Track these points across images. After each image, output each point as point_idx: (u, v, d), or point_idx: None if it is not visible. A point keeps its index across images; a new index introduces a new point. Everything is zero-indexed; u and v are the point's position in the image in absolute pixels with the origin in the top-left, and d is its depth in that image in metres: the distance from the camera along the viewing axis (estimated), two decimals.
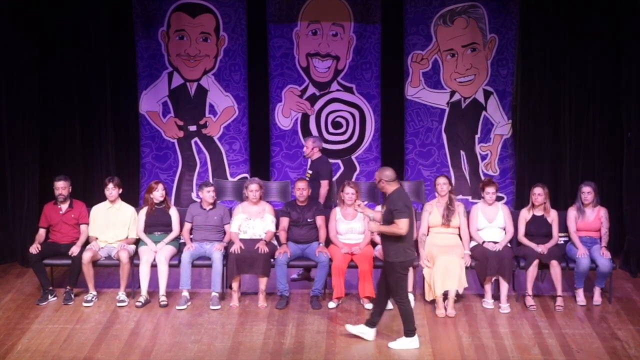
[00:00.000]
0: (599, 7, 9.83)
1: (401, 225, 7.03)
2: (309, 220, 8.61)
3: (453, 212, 8.47)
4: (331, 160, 10.75)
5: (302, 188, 8.63)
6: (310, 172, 9.29)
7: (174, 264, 8.44)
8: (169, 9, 10.50)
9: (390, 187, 7.15)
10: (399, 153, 10.73)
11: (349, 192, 8.53)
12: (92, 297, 8.36)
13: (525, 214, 8.59)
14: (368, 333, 7.37)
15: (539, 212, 8.54)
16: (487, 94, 10.55)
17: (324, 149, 10.73)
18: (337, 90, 10.70)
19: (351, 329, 7.43)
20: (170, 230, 8.66)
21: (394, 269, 7.14)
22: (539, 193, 8.52)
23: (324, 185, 9.09)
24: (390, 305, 8.14)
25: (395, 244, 7.10)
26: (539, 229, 8.49)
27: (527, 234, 8.52)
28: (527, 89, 10.43)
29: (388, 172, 7.18)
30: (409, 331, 7.24)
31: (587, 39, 9.97)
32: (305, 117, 10.74)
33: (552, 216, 8.54)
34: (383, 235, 7.28)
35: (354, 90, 10.68)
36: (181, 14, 10.53)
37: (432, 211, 8.52)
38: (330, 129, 10.77)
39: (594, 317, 8.00)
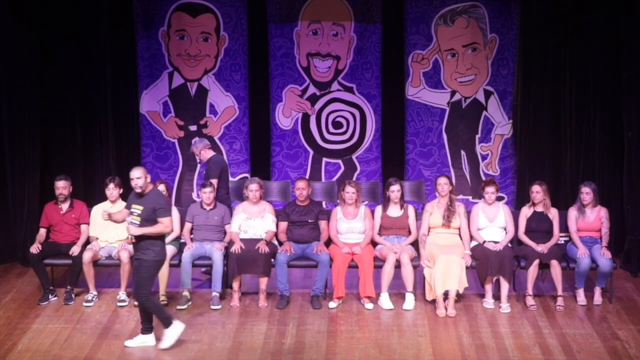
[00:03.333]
0: (599, 6, 9.83)
1: (167, 223, 7.05)
2: (309, 220, 8.60)
3: (454, 213, 8.47)
4: (332, 160, 10.79)
5: (302, 188, 8.63)
6: (204, 172, 9.36)
7: (175, 264, 8.44)
8: (169, 8, 10.50)
9: (149, 186, 7.13)
10: (400, 153, 10.74)
11: (349, 191, 8.54)
12: (93, 297, 8.36)
13: (526, 211, 8.60)
14: (149, 340, 7.24)
15: (539, 209, 8.55)
16: (487, 94, 10.56)
17: (324, 148, 10.77)
18: (338, 90, 10.70)
19: (131, 343, 7.25)
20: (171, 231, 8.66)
21: (147, 269, 7.06)
22: (537, 191, 8.52)
23: (214, 183, 9.05)
24: (389, 304, 8.15)
25: (156, 242, 7.05)
26: (540, 225, 8.48)
27: (529, 230, 8.52)
28: (527, 89, 10.44)
29: (144, 170, 7.14)
30: (147, 328, 7.18)
31: (588, 39, 9.97)
32: (305, 117, 10.74)
33: (553, 213, 8.55)
34: (139, 235, 7.08)
35: (354, 90, 10.68)
36: (182, 14, 10.53)
37: (433, 212, 8.52)
38: (331, 129, 10.78)
39: (595, 317, 8.00)
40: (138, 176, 7.06)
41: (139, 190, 7.08)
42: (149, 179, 7.15)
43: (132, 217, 7.08)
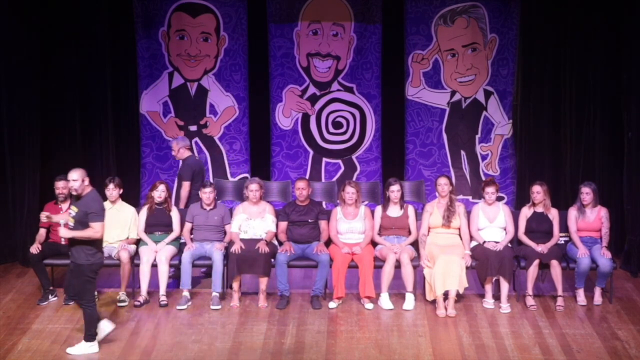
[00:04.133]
0: (600, 7, 9.83)
1: (97, 229, 6.93)
2: (309, 220, 8.60)
3: (454, 213, 8.47)
4: (332, 160, 10.79)
5: (302, 188, 8.63)
6: (179, 173, 9.40)
7: (175, 264, 8.44)
8: (169, 8, 10.51)
9: (86, 189, 7.02)
10: (400, 153, 10.74)
11: (349, 191, 8.54)
12: None
13: (526, 211, 8.60)
14: (104, 328, 7.17)
15: (539, 209, 8.55)
16: (487, 94, 10.56)
17: (324, 148, 10.78)
18: (338, 90, 10.70)
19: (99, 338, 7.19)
20: (171, 231, 8.66)
21: (83, 272, 6.97)
22: (537, 191, 8.52)
23: (184, 186, 9.07)
24: (389, 304, 8.15)
25: (86, 246, 6.94)
26: (540, 225, 8.48)
27: (529, 230, 8.52)
28: (527, 89, 10.44)
29: (83, 173, 7.04)
30: (89, 335, 7.07)
31: (588, 39, 9.97)
32: (305, 117, 10.75)
33: (553, 214, 8.54)
34: (72, 239, 7.00)
35: (354, 90, 10.68)
36: (182, 14, 10.53)
37: (433, 212, 8.52)
38: (331, 129, 10.78)
39: (595, 317, 8.00)
40: (74, 178, 6.98)
41: (74, 193, 7.00)
42: (86, 182, 7.04)
43: (69, 219, 7.01)
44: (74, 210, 7.00)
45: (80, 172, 7.03)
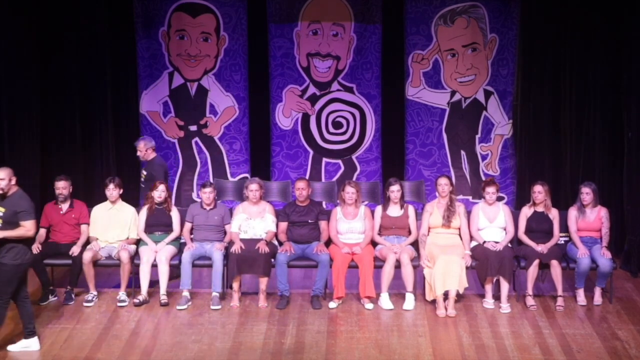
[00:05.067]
0: (600, 7, 9.83)
1: (29, 227, 6.86)
2: (309, 221, 8.60)
3: (454, 213, 8.47)
4: (332, 161, 10.79)
5: (302, 188, 8.63)
6: (144, 173, 9.27)
7: (175, 264, 8.44)
8: (169, 8, 10.50)
9: (12, 189, 6.94)
10: (400, 153, 10.73)
11: (349, 191, 8.53)
12: (93, 297, 8.35)
13: (526, 211, 8.59)
14: (32, 344, 7.12)
15: (540, 209, 8.55)
16: (487, 94, 10.55)
17: (324, 148, 10.77)
18: (338, 90, 10.70)
19: (13, 347, 7.12)
20: (171, 231, 8.65)
21: (11, 272, 6.86)
22: (539, 191, 8.52)
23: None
24: (389, 304, 8.15)
25: (17, 245, 6.85)
26: (540, 225, 8.48)
27: (529, 230, 8.52)
28: (527, 89, 10.44)
29: (10, 172, 6.97)
30: (29, 333, 7.06)
31: (588, 39, 9.97)
32: (305, 117, 10.74)
33: (554, 214, 8.54)
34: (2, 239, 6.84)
35: (354, 90, 10.68)
36: (182, 14, 10.53)
37: (433, 212, 8.52)
38: (331, 129, 10.77)
39: (595, 317, 8.00)
40: (2, 177, 6.89)
41: (0, 192, 6.91)
42: (13, 181, 6.97)
43: None
44: (0, 210, 6.90)
45: (8, 171, 6.97)
